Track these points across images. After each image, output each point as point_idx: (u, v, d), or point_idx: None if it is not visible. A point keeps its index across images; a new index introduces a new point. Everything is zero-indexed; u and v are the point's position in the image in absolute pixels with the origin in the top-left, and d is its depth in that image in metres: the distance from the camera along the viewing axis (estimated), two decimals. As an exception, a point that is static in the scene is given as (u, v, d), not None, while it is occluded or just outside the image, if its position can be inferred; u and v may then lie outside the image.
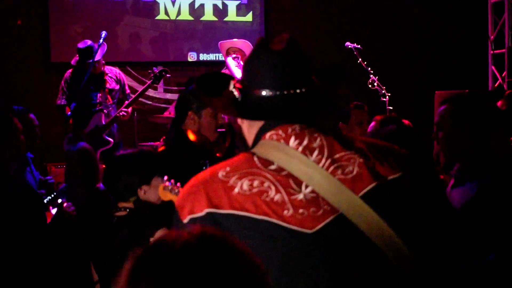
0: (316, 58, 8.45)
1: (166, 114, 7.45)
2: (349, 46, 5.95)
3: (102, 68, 6.08)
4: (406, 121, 3.24)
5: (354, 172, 1.40)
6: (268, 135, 1.47)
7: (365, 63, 5.82)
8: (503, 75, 7.71)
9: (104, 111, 6.00)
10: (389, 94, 5.73)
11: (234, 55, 5.86)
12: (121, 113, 5.93)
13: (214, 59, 8.22)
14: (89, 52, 5.83)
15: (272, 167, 1.40)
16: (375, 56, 6.52)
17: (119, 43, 7.95)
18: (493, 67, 7.77)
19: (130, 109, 6.09)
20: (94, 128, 5.92)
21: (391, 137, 2.65)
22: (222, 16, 8.35)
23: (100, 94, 6.01)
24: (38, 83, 7.58)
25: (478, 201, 2.37)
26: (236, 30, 8.26)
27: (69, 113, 5.73)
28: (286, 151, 1.41)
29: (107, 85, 6.06)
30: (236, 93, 1.52)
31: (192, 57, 8.27)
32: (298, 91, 1.47)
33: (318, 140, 1.44)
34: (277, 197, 1.34)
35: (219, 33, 8.10)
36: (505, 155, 2.78)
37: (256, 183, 1.36)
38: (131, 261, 0.99)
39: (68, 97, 5.95)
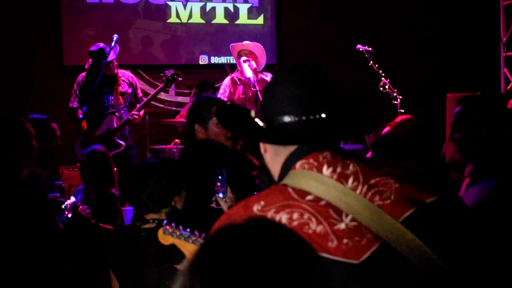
0: (327, 61, 8.43)
1: (177, 117, 7.48)
2: (361, 49, 5.94)
3: (116, 70, 6.11)
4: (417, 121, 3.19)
5: (392, 198, 1.35)
6: (298, 164, 1.41)
7: (377, 65, 5.82)
8: (515, 77, 7.65)
9: (116, 114, 6.03)
10: (401, 97, 5.72)
11: (245, 58, 5.87)
12: (133, 117, 5.96)
13: (226, 62, 8.24)
14: (102, 54, 5.86)
15: (309, 197, 1.34)
16: (386, 59, 6.50)
17: (131, 46, 7.99)
18: (505, 69, 7.71)
19: (142, 112, 6.12)
20: (106, 131, 5.95)
21: (403, 140, 2.65)
22: (233, 19, 8.37)
23: (113, 97, 6.04)
24: (51, 86, 7.63)
25: (496, 197, 2.39)
26: (247, 33, 8.28)
27: (81, 115, 5.77)
28: (321, 180, 1.36)
29: (120, 88, 6.08)
30: (259, 120, 1.48)
31: (203, 60, 8.29)
32: (323, 116, 1.44)
33: (351, 166, 1.39)
34: (319, 229, 1.29)
35: (230, 36, 8.12)
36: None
37: (295, 215, 1.30)
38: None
39: (81, 100, 5.99)
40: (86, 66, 6.10)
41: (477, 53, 8.68)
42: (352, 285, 1.27)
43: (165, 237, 2.10)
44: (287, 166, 1.44)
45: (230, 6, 8.34)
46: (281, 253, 0.93)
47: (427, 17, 8.88)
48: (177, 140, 7.07)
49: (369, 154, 3.98)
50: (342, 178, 1.37)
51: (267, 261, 0.91)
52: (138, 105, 6.10)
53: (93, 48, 5.98)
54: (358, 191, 1.35)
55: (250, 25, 8.45)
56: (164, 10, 8.12)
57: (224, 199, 2.52)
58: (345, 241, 1.28)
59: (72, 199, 3.52)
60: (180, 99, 8.27)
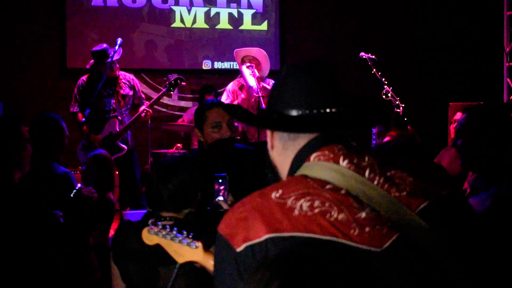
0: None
1: (180, 121, 7.49)
2: (364, 57, 5.94)
3: (117, 72, 6.09)
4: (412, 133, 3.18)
5: (408, 189, 1.37)
6: (313, 156, 1.41)
7: (380, 73, 5.82)
8: (518, 87, 7.65)
9: (119, 117, 6.02)
10: (403, 105, 5.72)
11: (248, 64, 5.87)
12: (144, 112, 5.90)
13: (229, 67, 8.26)
14: (104, 54, 5.85)
15: (329, 186, 1.34)
16: (389, 67, 6.50)
17: (134, 50, 8.01)
18: (508, 79, 7.72)
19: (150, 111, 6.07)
20: (108, 134, 5.94)
21: (395, 150, 2.65)
22: (237, 25, 8.39)
23: (114, 101, 6.02)
24: (54, 88, 7.65)
25: (495, 210, 2.39)
26: (251, 38, 8.30)
27: (83, 119, 5.76)
28: (340, 170, 1.36)
29: (121, 91, 6.06)
30: (269, 113, 1.48)
31: (206, 65, 8.31)
32: (333, 110, 1.44)
33: (367, 158, 1.40)
34: (341, 217, 1.29)
35: (234, 42, 8.14)
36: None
37: (316, 203, 1.30)
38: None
39: (81, 104, 5.96)
40: (88, 66, 6.08)
41: (480, 62, 8.69)
42: (375, 273, 1.27)
43: (150, 237, 2.04)
44: (300, 159, 1.44)
45: (235, 11, 8.36)
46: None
47: (431, 26, 8.89)
48: (179, 145, 7.09)
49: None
50: (359, 169, 1.38)
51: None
52: (142, 106, 6.05)
53: (96, 48, 5.97)
54: (375, 182, 1.36)
55: (254, 31, 8.47)
56: (168, 15, 8.15)
57: (227, 202, 2.52)
58: (367, 229, 1.28)
59: (78, 185, 3.58)
60: (183, 103, 8.28)
